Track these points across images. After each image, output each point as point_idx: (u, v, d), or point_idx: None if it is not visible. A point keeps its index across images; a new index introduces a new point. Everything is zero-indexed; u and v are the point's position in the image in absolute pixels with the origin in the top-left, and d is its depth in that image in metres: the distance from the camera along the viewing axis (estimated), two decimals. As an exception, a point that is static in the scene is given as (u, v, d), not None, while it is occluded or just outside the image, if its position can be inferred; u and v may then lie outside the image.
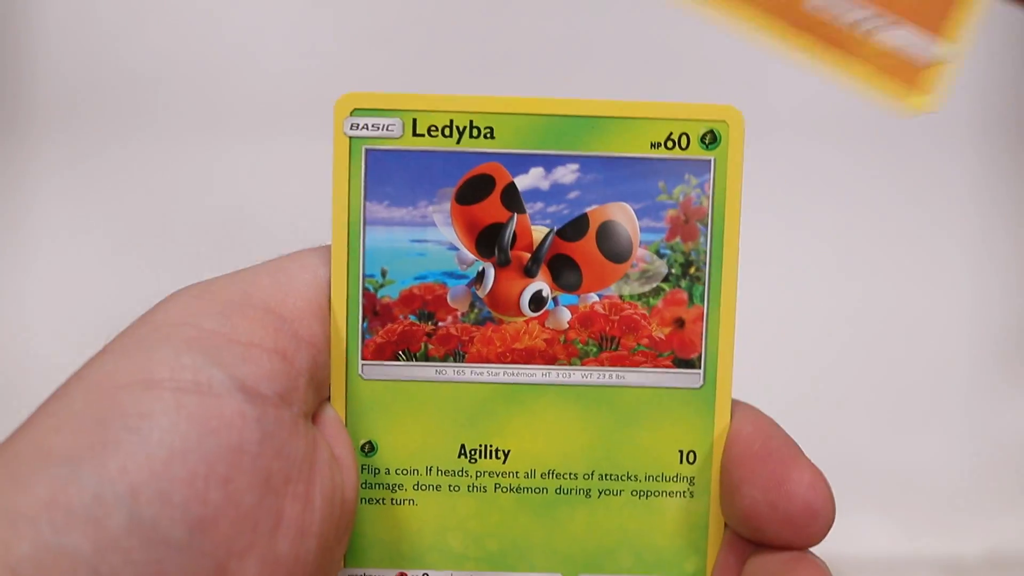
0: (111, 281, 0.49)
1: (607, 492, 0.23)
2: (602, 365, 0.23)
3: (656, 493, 0.23)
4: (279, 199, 0.51)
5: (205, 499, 0.18)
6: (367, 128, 0.22)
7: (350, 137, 0.22)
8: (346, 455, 0.22)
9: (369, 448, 0.23)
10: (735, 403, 0.24)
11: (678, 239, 0.23)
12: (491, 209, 0.23)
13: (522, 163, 0.23)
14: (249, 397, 0.19)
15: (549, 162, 0.23)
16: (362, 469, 0.23)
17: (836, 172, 0.51)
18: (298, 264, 0.23)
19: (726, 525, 0.23)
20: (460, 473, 0.23)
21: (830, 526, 0.22)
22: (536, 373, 0.23)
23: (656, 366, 0.23)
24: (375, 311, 0.23)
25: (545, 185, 0.23)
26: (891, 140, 0.51)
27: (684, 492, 0.23)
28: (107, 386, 0.19)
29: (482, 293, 0.23)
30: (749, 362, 0.49)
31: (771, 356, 0.50)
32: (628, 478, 0.23)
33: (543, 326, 0.23)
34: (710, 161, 0.23)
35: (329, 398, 0.23)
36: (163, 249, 0.51)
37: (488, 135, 0.23)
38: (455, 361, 0.23)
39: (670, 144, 0.23)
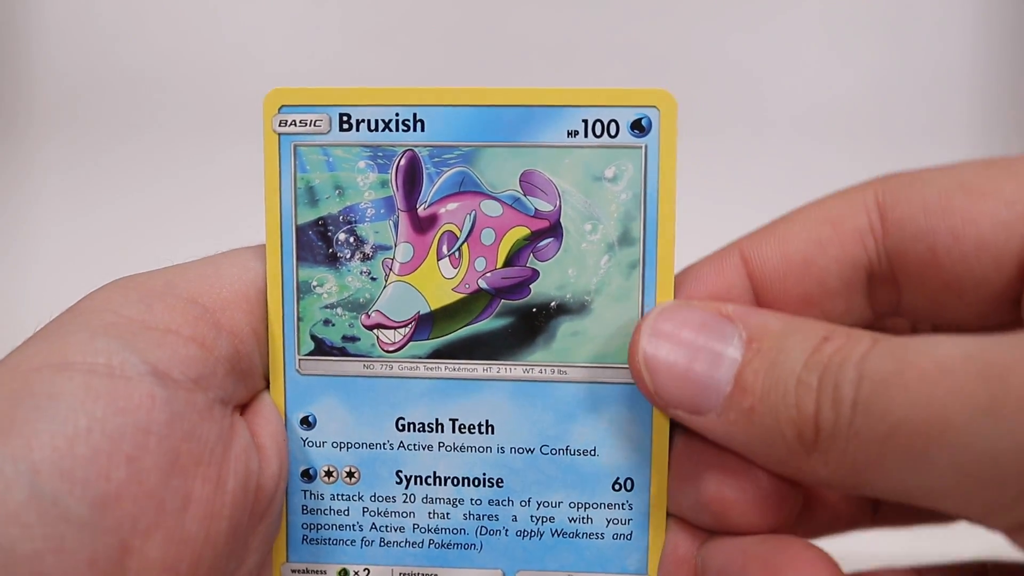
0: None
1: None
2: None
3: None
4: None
5: (108, 476, 0.18)
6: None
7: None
8: (271, 445, 0.22)
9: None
10: None
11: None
12: None
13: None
14: (161, 381, 0.20)
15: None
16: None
17: (834, 171, 0.50)
18: (229, 259, 0.23)
19: (669, 515, 0.23)
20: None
21: (798, 508, 0.21)
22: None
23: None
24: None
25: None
26: (890, 139, 0.50)
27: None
28: (22, 369, 0.19)
29: None
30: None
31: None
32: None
33: None
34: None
35: (268, 388, 0.23)
36: (163, 249, 0.52)
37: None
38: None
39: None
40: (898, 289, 0.21)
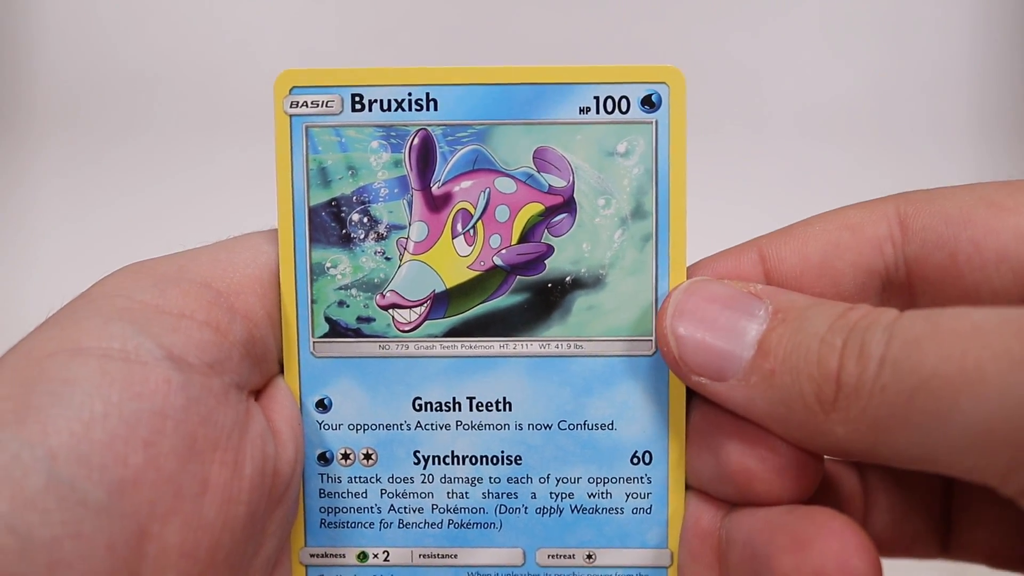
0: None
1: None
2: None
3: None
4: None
5: (125, 461, 0.18)
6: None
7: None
8: (286, 429, 0.22)
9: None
10: None
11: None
12: None
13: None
14: (176, 365, 0.19)
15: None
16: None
17: (834, 169, 0.50)
18: (242, 243, 0.23)
19: (688, 488, 0.23)
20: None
21: (820, 477, 0.21)
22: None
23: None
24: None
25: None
26: (890, 137, 0.50)
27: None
28: (36, 354, 0.19)
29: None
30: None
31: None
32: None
33: None
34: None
35: (282, 372, 0.23)
36: (164, 249, 0.52)
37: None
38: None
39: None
40: (912, 298, 0.22)
